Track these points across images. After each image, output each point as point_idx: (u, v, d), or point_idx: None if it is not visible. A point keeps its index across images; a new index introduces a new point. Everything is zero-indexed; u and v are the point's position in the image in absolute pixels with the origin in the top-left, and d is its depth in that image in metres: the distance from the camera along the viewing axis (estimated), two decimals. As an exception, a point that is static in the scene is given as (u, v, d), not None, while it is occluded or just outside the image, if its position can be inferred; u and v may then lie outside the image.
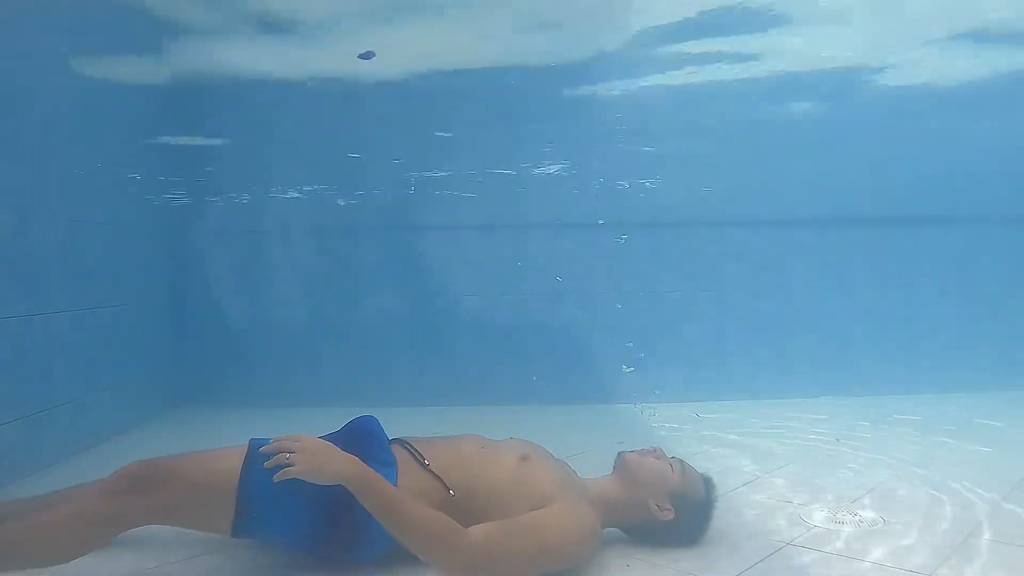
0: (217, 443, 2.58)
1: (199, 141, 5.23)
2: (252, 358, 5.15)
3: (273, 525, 2.04)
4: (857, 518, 2.67)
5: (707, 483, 2.44)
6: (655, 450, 2.45)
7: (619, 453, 2.47)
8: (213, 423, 4.47)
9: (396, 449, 2.27)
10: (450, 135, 5.39)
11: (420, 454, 2.23)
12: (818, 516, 2.70)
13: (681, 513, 2.33)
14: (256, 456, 2.04)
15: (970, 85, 5.14)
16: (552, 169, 5.41)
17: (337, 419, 2.45)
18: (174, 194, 5.11)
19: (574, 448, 3.43)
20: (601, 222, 5.20)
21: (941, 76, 5.02)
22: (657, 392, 5.19)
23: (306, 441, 1.97)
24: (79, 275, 3.75)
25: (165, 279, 4.94)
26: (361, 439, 2.26)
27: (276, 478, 1.87)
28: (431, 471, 2.17)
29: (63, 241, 3.60)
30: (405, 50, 4.36)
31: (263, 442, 2.39)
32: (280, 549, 2.22)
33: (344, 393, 4.77)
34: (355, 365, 5.12)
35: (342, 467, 1.92)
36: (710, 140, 5.45)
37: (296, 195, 5.32)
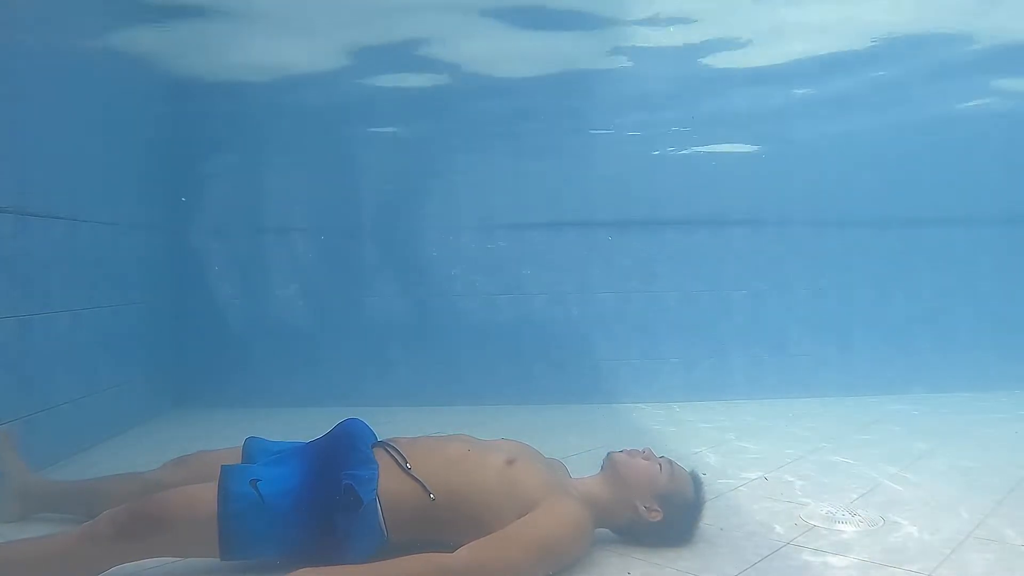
0: (217, 443, 2.62)
1: (200, 137, 5.24)
2: (252, 358, 5.14)
3: (257, 545, 2.06)
4: (857, 518, 2.67)
5: (696, 483, 2.44)
6: (644, 450, 2.45)
7: (608, 453, 2.47)
8: (213, 423, 4.46)
9: (379, 452, 2.27)
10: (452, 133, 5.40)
11: (403, 457, 2.23)
12: (818, 516, 2.70)
13: (669, 514, 2.33)
14: (230, 477, 2.07)
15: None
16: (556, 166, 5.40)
17: (337, 419, 2.46)
18: (175, 193, 5.09)
19: (573, 448, 3.44)
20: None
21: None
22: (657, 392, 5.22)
23: None
24: (79, 275, 3.74)
25: (165, 279, 4.93)
26: (342, 444, 2.27)
27: None
28: (412, 475, 2.17)
29: (63, 241, 3.59)
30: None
31: (256, 442, 2.44)
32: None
33: (344, 393, 4.77)
34: (355, 365, 5.12)
35: None
36: (710, 140, 5.45)
37: (296, 194, 5.32)
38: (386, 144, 5.44)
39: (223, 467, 2.13)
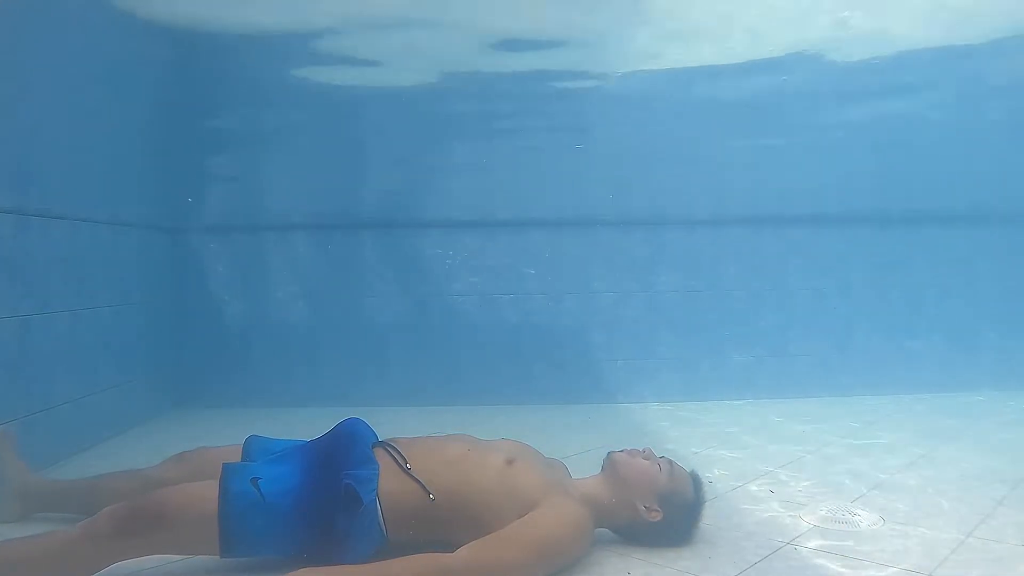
0: (217, 443, 2.61)
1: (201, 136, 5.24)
2: (252, 358, 5.14)
3: (257, 544, 2.07)
4: (857, 518, 2.67)
5: (696, 483, 2.44)
6: (644, 450, 2.45)
7: (608, 453, 2.47)
8: (213, 423, 4.46)
9: (379, 453, 2.27)
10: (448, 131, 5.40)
11: (403, 458, 2.23)
12: (818, 516, 2.70)
13: (669, 514, 2.33)
14: (231, 476, 2.07)
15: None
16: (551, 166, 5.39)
17: (337, 419, 2.46)
18: (175, 193, 5.10)
19: (573, 448, 3.44)
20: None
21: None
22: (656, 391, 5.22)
23: None
24: (79, 275, 3.75)
25: (165, 279, 4.93)
26: (343, 443, 2.27)
27: None
28: (412, 475, 2.17)
29: (63, 241, 3.60)
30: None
31: (257, 440, 2.45)
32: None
33: (344, 393, 4.77)
34: (355, 365, 5.12)
35: None
36: (709, 138, 5.43)
37: (296, 194, 5.32)
38: (386, 141, 5.43)
39: (224, 465, 2.13)
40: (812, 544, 2.42)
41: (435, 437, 2.43)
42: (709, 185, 5.35)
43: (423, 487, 2.14)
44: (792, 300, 5.44)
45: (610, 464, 2.42)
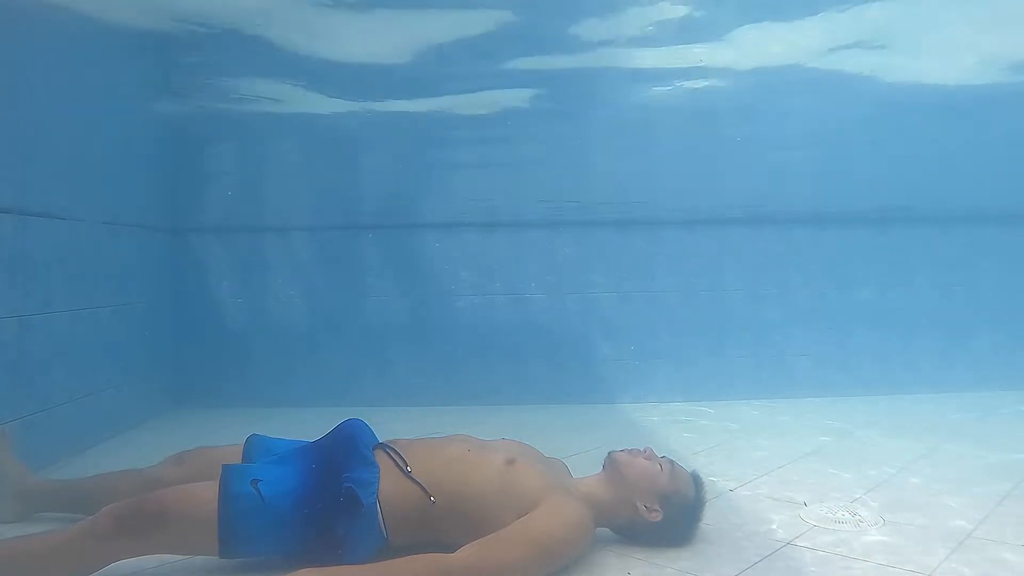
0: (216, 443, 2.61)
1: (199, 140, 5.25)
2: (252, 358, 5.14)
3: (257, 545, 2.07)
4: (857, 518, 2.67)
5: (697, 483, 2.44)
6: (645, 450, 2.45)
7: (609, 452, 2.47)
8: (213, 423, 4.46)
9: (379, 455, 2.27)
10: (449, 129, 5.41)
11: (403, 460, 2.22)
12: (818, 516, 2.70)
13: (670, 514, 2.33)
14: (231, 477, 2.07)
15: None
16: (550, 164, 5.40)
17: (336, 419, 2.45)
18: (175, 192, 5.10)
19: (573, 448, 3.44)
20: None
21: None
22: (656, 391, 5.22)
23: None
24: (79, 275, 3.75)
25: (165, 279, 4.93)
26: (343, 445, 2.26)
27: None
28: (413, 478, 2.17)
29: (63, 241, 3.60)
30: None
31: (258, 440, 2.45)
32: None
33: (344, 393, 4.78)
34: (355, 365, 5.12)
35: None
36: (708, 137, 5.43)
37: (297, 194, 5.33)
38: (386, 140, 5.43)
39: (224, 466, 2.13)
40: (812, 544, 2.42)
41: (435, 438, 2.43)
42: (709, 185, 5.35)
43: (424, 489, 2.14)
44: (792, 300, 5.44)
45: (611, 464, 2.42)
